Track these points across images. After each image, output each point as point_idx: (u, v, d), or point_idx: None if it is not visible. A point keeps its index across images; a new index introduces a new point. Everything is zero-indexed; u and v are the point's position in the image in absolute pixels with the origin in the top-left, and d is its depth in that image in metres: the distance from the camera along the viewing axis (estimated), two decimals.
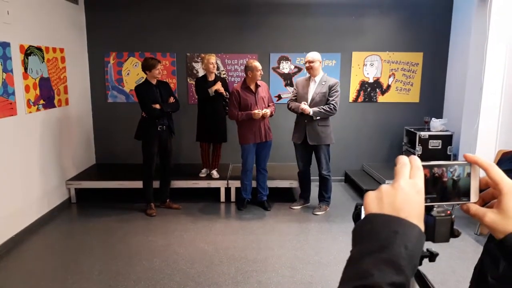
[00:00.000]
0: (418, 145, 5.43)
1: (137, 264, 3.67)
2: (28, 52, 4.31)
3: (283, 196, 5.44)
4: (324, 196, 4.95)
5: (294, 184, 5.32)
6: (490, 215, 0.64)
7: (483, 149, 4.55)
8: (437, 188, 0.67)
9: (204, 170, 5.42)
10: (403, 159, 0.65)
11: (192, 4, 5.75)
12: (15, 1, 4.08)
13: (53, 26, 4.87)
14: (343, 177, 6.19)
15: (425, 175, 0.65)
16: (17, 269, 3.62)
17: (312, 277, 3.45)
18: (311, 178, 5.08)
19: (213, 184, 5.28)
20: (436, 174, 0.67)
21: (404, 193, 0.60)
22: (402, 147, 5.89)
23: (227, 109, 4.99)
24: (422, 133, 5.44)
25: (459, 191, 0.68)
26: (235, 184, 5.22)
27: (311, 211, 4.94)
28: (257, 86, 4.74)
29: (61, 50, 5.04)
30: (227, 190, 5.29)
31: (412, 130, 5.65)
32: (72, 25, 5.39)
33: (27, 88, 4.29)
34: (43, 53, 4.61)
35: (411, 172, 0.63)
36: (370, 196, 0.63)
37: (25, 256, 3.87)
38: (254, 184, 5.07)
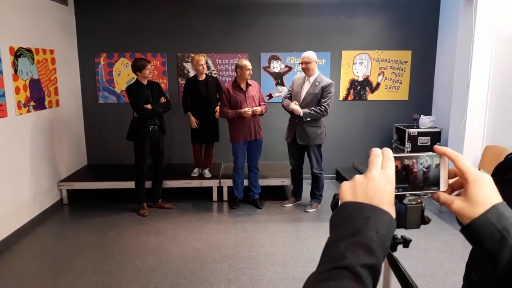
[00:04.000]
0: (408, 142, 5.51)
1: (130, 264, 3.69)
2: (18, 53, 4.30)
3: (275, 194, 5.49)
4: (316, 194, 5.00)
5: (286, 182, 5.36)
6: (457, 202, 0.68)
7: (470, 145, 4.64)
8: (408, 178, 0.72)
9: (196, 170, 5.44)
10: (375, 151, 0.69)
11: (183, 5, 5.77)
12: (4, 3, 4.08)
13: (43, 28, 4.86)
14: (334, 175, 6.25)
15: (397, 166, 0.70)
16: (10, 270, 3.62)
17: (303, 273, 3.49)
18: (304, 176, 5.13)
19: (205, 183, 5.30)
20: (407, 165, 0.71)
21: (376, 182, 0.64)
22: (392, 144, 5.96)
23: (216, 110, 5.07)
24: (411, 130, 5.51)
25: (429, 181, 0.73)
26: (227, 183, 5.25)
27: (302, 209, 4.98)
28: (247, 85, 4.77)
29: (51, 52, 5.03)
30: (219, 189, 5.32)
31: (402, 127, 5.72)
32: (62, 27, 5.38)
33: (17, 90, 4.28)
34: (33, 55, 4.60)
35: (383, 163, 0.68)
36: (345, 185, 0.67)
37: (17, 257, 3.87)
38: (246, 182, 5.11)
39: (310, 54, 4.64)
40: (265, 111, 4.87)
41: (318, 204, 5.01)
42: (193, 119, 5.14)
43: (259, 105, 4.81)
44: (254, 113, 4.68)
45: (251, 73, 4.75)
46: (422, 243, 4.02)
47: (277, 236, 4.26)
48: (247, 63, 4.67)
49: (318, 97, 4.60)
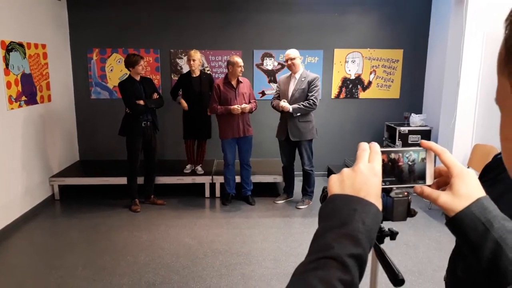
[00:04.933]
0: (398, 140, 5.56)
1: (122, 259, 3.70)
2: (9, 48, 4.27)
3: (267, 191, 5.52)
4: (307, 191, 5.04)
5: (278, 179, 5.39)
6: (443, 196, 0.70)
7: (460, 143, 4.71)
8: (394, 171, 0.74)
9: (188, 166, 5.45)
10: (363, 145, 0.72)
11: (176, 1, 5.76)
12: None
13: (35, 22, 4.82)
14: (326, 172, 6.30)
15: (383, 160, 0.72)
16: (1, 266, 3.61)
17: (294, 269, 3.52)
18: (296, 173, 5.16)
19: (198, 179, 5.31)
20: (394, 159, 0.74)
21: (363, 175, 0.67)
22: (383, 142, 6.02)
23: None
24: (402, 128, 5.57)
25: (415, 175, 0.75)
26: (219, 179, 5.26)
27: (294, 205, 5.02)
28: (238, 82, 4.79)
29: (43, 46, 5.00)
30: (212, 185, 5.33)
31: (393, 125, 5.78)
32: (54, 21, 5.35)
33: (8, 85, 4.26)
34: (24, 49, 4.57)
35: (370, 157, 0.70)
36: (333, 179, 0.70)
37: (8, 253, 3.86)
38: (238, 179, 5.13)
39: (294, 51, 4.72)
40: (255, 109, 4.89)
41: (309, 200, 5.05)
42: (183, 101, 5.15)
43: (249, 102, 4.83)
44: (243, 110, 4.70)
45: (243, 70, 4.78)
46: (411, 239, 4.08)
47: (269, 232, 4.30)
48: (238, 60, 4.70)
49: (306, 92, 4.66)
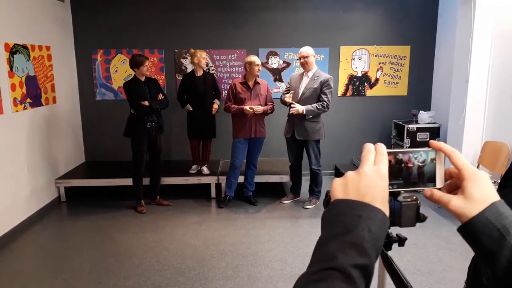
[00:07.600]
0: (407, 138, 5.48)
1: (128, 261, 3.68)
2: (13, 50, 4.26)
3: (274, 191, 5.47)
4: (314, 190, 4.98)
5: (284, 178, 5.34)
6: (455, 201, 0.65)
7: (469, 140, 4.62)
8: (402, 174, 0.69)
9: (194, 167, 5.42)
10: (368, 146, 0.67)
11: (179, 0, 5.73)
12: None
13: (38, 24, 4.82)
14: (333, 171, 6.23)
15: (390, 161, 0.67)
16: (6, 268, 3.60)
17: (301, 270, 3.45)
18: (304, 172, 5.11)
19: (204, 180, 5.28)
20: (401, 160, 0.69)
21: (368, 178, 0.62)
22: (391, 140, 5.94)
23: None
24: (410, 126, 5.49)
25: (425, 177, 0.70)
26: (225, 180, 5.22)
27: (301, 205, 4.97)
28: (256, 83, 4.75)
29: (47, 48, 4.99)
30: (218, 185, 5.30)
31: (400, 123, 5.70)
32: (58, 23, 5.34)
33: (13, 87, 4.25)
34: (28, 51, 4.56)
35: (375, 159, 0.65)
36: (336, 182, 0.65)
37: (14, 255, 3.85)
38: (239, 179, 5.07)
39: (308, 49, 4.65)
40: (271, 111, 4.84)
41: (316, 200, 4.99)
42: (188, 105, 5.16)
43: (266, 104, 4.79)
44: (256, 112, 4.65)
45: (260, 69, 4.75)
46: (420, 239, 4.00)
47: (275, 233, 4.25)
48: (255, 59, 4.67)
49: (318, 92, 4.59)
